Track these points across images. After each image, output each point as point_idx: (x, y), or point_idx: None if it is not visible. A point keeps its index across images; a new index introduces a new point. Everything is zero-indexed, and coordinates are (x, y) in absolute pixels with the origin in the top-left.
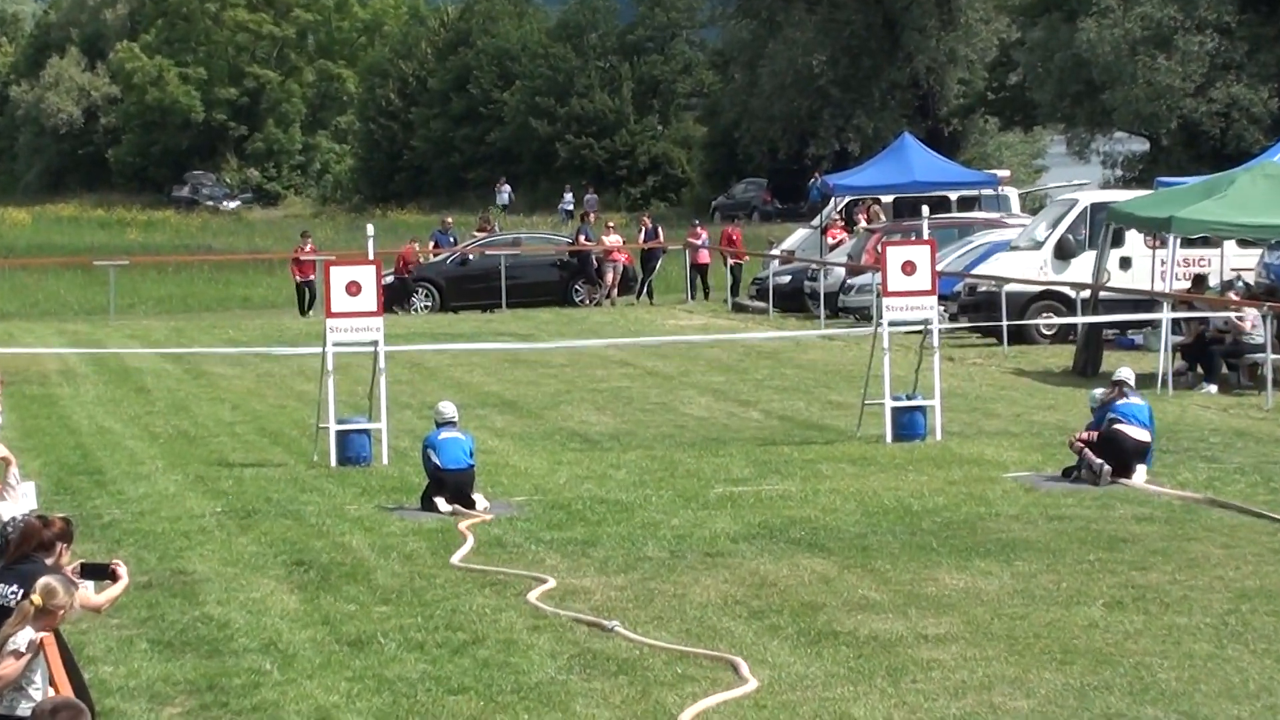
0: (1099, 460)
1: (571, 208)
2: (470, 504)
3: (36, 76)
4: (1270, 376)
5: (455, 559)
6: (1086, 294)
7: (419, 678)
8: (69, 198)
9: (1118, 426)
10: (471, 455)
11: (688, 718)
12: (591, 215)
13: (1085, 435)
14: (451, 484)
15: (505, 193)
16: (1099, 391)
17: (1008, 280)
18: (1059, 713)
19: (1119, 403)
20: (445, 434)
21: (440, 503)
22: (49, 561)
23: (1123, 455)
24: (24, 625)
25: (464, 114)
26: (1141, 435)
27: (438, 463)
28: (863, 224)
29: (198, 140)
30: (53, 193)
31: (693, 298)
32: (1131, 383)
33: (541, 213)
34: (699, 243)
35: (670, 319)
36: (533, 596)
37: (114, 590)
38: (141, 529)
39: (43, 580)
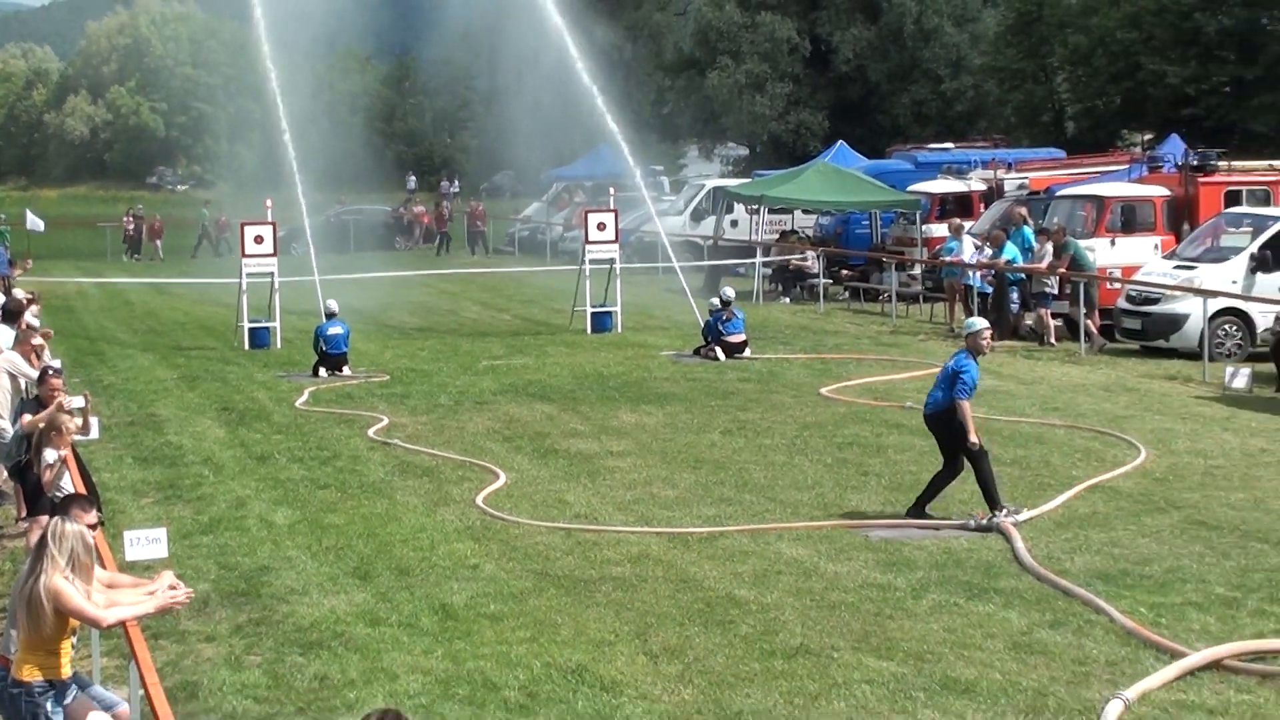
0: (720, 353)
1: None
2: (342, 372)
3: (60, 108)
4: (822, 293)
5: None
6: (710, 243)
7: (300, 479)
8: (81, 184)
9: (724, 338)
10: (347, 341)
11: (479, 500)
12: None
13: (707, 347)
14: (332, 361)
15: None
16: (716, 301)
17: (673, 235)
18: (691, 497)
19: (726, 321)
20: (332, 328)
21: (322, 372)
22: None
23: (731, 352)
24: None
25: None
26: (739, 338)
27: (325, 349)
28: (580, 198)
29: (162, 148)
30: (71, 181)
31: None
32: (733, 298)
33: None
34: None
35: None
36: (373, 430)
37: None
38: (128, 388)
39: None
